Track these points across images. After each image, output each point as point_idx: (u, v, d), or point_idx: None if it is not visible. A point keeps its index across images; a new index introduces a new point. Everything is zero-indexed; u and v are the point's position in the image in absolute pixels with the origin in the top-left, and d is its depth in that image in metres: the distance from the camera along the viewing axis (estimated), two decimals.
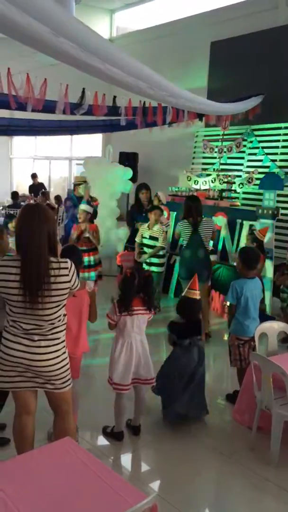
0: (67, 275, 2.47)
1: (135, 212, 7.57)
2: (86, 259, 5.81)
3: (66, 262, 2.49)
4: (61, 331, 2.58)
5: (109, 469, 2.16)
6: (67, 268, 2.48)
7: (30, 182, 13.77)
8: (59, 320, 2.53)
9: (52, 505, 1.85)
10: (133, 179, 9.22)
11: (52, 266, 2.42)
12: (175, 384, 3.53)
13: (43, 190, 12.24)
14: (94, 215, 7.18)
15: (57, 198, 12.01)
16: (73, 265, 2.53)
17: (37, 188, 12.67)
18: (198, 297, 3.69)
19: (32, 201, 12.68)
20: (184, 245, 5.55)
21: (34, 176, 13.13)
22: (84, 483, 1.99)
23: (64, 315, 2.60)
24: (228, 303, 4.07)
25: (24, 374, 2.51)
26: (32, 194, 12.76)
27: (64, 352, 2.59)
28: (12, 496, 1.88)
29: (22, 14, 2.49)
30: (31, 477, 2.03)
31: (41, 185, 13.00)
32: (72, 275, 2.51)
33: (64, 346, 2.59)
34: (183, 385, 3.52)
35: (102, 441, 3.43)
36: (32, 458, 2.20)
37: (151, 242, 6.19)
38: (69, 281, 2.49)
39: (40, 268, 2.37)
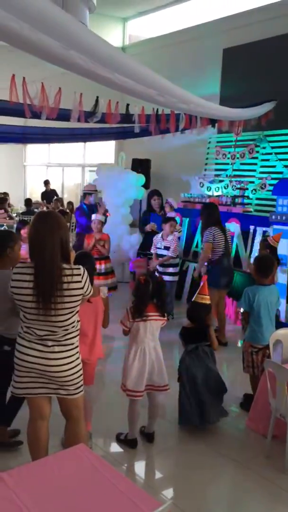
0: (80, 281, 2.49)
1: (147, 219, 7.60)
2: (98, 266, 5.85)
3: (79, 269, 2.51)
4: (75, 336, 2.59)
5: (123, 476, 2.16)
6: (80, 274, 2.49)
7: (43, 189, 13.90)
8: (73, 326, 2.55)
9: (66, 511, 1.86)
10: (146, 185, 9.24)
11: (65, 273, 2.44)
12: (187, 389, 3.52)
13: (55, 197, 12.33)
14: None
15: (70, 204, 12.11)
16: (85, 272, 2.55)
17: (49, 195, 12.78)
18: (208, 302, 3.69)
19: (45, 208, 12.81)
20: (221, 253, 5.51)
21: (46, 182, 13.24)
22: (98, 490, 1.99)
23: (78, 321, 2.61)
24: (242, 310, 4.06)
25: (38, 380, 2.53)
26: (45, 201, 12.87)
27: (78, 358, 2.60)
28: (26, 502, 1.89)
29: (33, 30, 2.54)
30: (46, 483, 2.04)
31: (54, 192, 13.11)
32: (85, 282, 2.52)
33: (77, 352, 2.60)
34: (194, 390, 3.51)
35: (115, 448, 3.42)
36: (46, 464, 2.21)
37: (164, 252, 6.23)
38: (82, 288, 2.50)
39: (53, 275, 2.39)
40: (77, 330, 2.60)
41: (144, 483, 3.04)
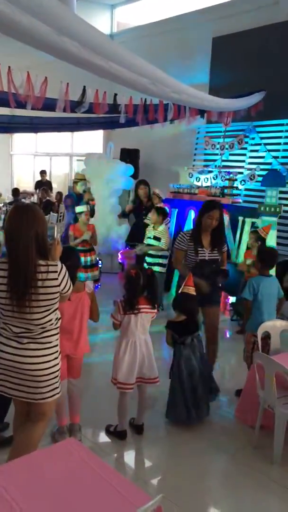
0: (56, 278, 2.39)
1: (136, 209, 7.59)
2: (82, 259, 5.82)
3: (56, 265, 2.41)
4: (53, 335, 2.50)
5: (113, 470, 2.16)
6: (56, 271, 2.40)
7: (31, 178, 13.73)
8: (51, 324, 2.47)
9: (56, 505, 1.85)
10: (135, 175, 9.19)
11: (41, 269, 2.35)
12: (185, 384, 3.52)
13: (44, 187, 12.18)
14: (91, 214, 7.19)
15: (59, 194, 11.98)
16: (63, 269, 2.45)
17: (44, 185, 12.59)
18: (194, 293, 3.69)
19: (35, 198, 12.67)
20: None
21: (43, 172, 12.99)
22: (88, 484, 1.99)
23: (58, 319, 2.53)
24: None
25: (13, 380, 2.45)
26: (37, 191, 12.69)
27: (56, 358, 2.51)
28: (16, 497, 1.88)
29: (25, 14, 2.47)
30: (35, 477, 2.03)
31: (49, 183, 12.87)
32: (62, 279, 2.43)
33: (56, 351, 2.52)
34: (191, 384, 3.52)
35: (105, 440, 3.44)
36: (36, 459, 2.20)
37: (155, 243, 6.22)
38: (58, 285, 2.41)
39: (27, 271, 2.31)
40: (55, 328, 2.51)
41: (133, 475, 3.06)
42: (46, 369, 2.44)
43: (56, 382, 2.52)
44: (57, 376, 2.52)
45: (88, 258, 6.11)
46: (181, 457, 3.21)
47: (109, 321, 3.37)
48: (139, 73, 3.65)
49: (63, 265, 2.46)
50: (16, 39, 2.77)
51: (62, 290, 2.44)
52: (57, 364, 2.52)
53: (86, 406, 3.57)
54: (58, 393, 2.55)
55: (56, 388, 2.53)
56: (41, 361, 2.43)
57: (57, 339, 2.53)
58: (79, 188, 7.55)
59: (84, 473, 2.05)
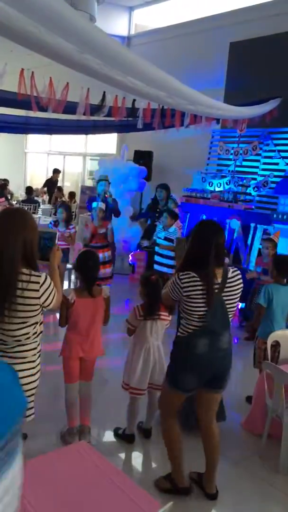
0: (37, 290, 2.25)
1: (149, 211, 7.64)
2: (100, 255, 5.88)
3: (39, 276, 2.27)
4: (30, 350, 2.36)
5: (124, 475, 2.20)
6: (38, 282, 2.26)
7: (44, 176, 13.78)
8: (27, 338, 2.32)
9: (67, 509, 1.90)
10: (147, 178, 9.23)
11: (22, 278, 2.22)
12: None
13: (58, 186, 12.24)
14: (115, 214, 7.25)
15: (71, 194, 12.04)
16: (47, 281, 2.30)
17: (54, 184, 12.63)
18: None
19: (45, 196, 12.73)
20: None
21: (56, 171, 13.05)
22: (99, 488, 2.03)
23: (37, 334, 2.38)
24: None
25: None
26: (45, 189, 12.77)
27: (32, 375, 2.38)
28: (28, 497, 1.93)
29: (50, 34, 2.53)
30: (48, 479, 2.08)
31: (56, 182, 12.94)
32: (44, 292, 2.28)
33: (32, 368, 2.38)
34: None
35: (113, 442, 3.48)
36: (48, 460, 2.25)
37: (165, 243, 6.25)
38: (38, 298, 2.26)
39: (8, 280, 2.18)
40: (33, 343, 2.36)
41: (140, 478, 3.09)
42: None
43: (31, 402, 2.39)
44: (32, 395, 2.39)
45: (106, 254, 6.22)
46: (186, 462, 3.23)
47: (118, 323, 3.39)
48: (156, 87, 3.70)
49: (47, 276, 2.33)
50: (42, 55, 2.84)
51: (42, 303, 2.30)
52: (30, 382, 2.38)
53: (96, 409, 3.61)
54: (33, 413, 2.41)
55: (31, 408, 2.39)
56: None
57: (33, 355, 2.38)
58: (99, 189, 7.61)
59: (96, 478, 2.09)
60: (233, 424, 3.83)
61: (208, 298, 2.56)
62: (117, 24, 10.92)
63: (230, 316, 2.68)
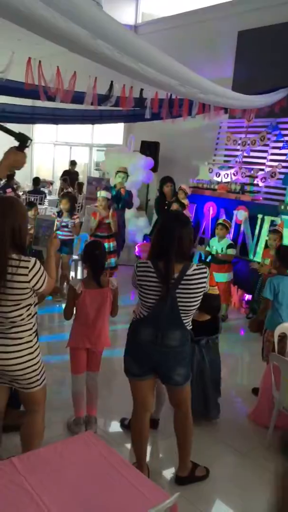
0: (26, 274, 2.35)
1: (158, 204, 7.60)
2: (106, 245, 5.86)
3: (28, 261, 2.37)
4: (26, 330, 2.48)
5: (130, 465, 2.21)
6: (27, 267, 2.36)
7: (51, 167, 13.71)
8: (22, 319, 2.44)
9: (74, 498, 1.90)
10: (154, 169, 9.18)
11: (11, 263, 2.34)
12: (193, 383, 3.54)
13: (64, 177, 12.18)
14: (128, 205, 7.21)
15: (79, 185, 11.98)
16: (36, 265, 2.39)
17: (72, 176, 12.55)
18: (217, 292, 3.71)
19: (51, 188, 12.69)
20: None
21: (73, 163, 12.99)
22: (104, 477, 2.03)
23: (31, 315, 2.50)
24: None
25: None
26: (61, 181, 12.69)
27: (31, 353, 2.50)
28: (35, 486, 1.94)
29: (65, 19, 2.50)
30: (54, 469, 2.09)
31: (75, 174, 12.82)
32: (34, 276, 2.38)
33: (31, 347, 2.50)
34: (201, 385, 3.55)
35: (120, 433, 3.49)
36: (55, 450, 2.26)
37: None
38: (28, 281, 2.36)
39: (0, 265, 2.31)
40: (28, 324, 2.49)
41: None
42: (17, 364, 2.44)
43: (35, 376, 2.52)
44: (35, 370, 2.51)
45: (111, 244, 6.22)
46: (192, 453, 3.24)
47: (125, 314, 3.39)
48: (169, 75, 3.65)
49: (37, 261, 2.41)
50: (55, 42, 2.81)
51: (33, 286, 2.40)
52: (32, 359, 2.49)
53: (102, 399, 3.63)
54: (39, 385, 2.55)
55: (37, 381, 2.53)
56: (11, 357, 2.43)
57: (29, 335, 2.50)
58: (116, 180, 7.56)
59: (102, 468, 2.10)
60: (240, 416, 3.83)
61: (160, 291, 2.53)
62: (124, 13, 10.80)
63: (183, 314, 2.59)
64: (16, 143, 2.44)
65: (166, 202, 7.30)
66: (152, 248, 2.66)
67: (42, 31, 2.63)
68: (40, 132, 15.74)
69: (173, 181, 7.46)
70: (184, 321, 2.62)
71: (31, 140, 2.52)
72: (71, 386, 3.40)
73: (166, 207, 7.16)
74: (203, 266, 2.64)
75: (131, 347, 2.75)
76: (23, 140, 2.43)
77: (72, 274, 6.98)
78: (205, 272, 2.60)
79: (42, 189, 11.76)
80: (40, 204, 10.37)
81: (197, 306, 2.63)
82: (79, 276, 7.24)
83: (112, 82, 4.52)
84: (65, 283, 6.45)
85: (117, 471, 2.07)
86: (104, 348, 3.39)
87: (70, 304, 3.22)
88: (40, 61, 3.63)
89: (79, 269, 7.41)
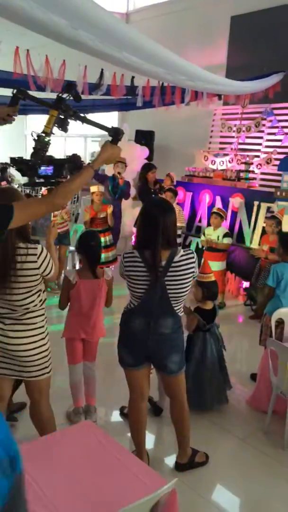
0: (35, 261, 2.43)
1: (143, 192, 7.52)
2: (102, 239, 5.84)
3: (36, 248, 2.43)
4: (38, 316, 2.55)
5: (129, 453, 2.22)
6: (35, 254, 2.43)
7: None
8: (35, 305, 2.51)
9: (73, 487, 1.91)
10: (149, 158, 9.12)
11: (20, 252, 2.39)
12: (207, 371, 3.57)
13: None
14: (125, 196, 7.16)
15: None
16: (44, 252, 2.46)
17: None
18: (213, 278, 3.71)
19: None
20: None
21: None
22: (103, 465, 2.04)
23: (42, 300, 2.56)
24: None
25: (2, 360, 2.53)
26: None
27: (43, 338, 2.57)
28: (35, 476, 1.95)
29: (42, 10, 2.45)
30: (53, 458, 2.09)
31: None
32: (42, 262, 2.45)
33: (42, 332, 2.57)
34: (212, 372, 3.57)
35: (120, 421, 3.51)
36: (53, 440, 2.27)
37: None
38: (38, 268, 2.44)
39: (6, 254, 2.35)
40: (41, 310, 2.56)
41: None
42: (31, 349, 2.50)
43: (45, 362, 2.58)
44: (45, 356, 2.58)
45: (107, 238, 6.16)
46: (192, 439, 3.26)
47: (121, 304, 3.38)
48: (154, 62, 3.59)
49: (43, 248, 2.47)
50: (38, 33, 2.76)
51: (42, 272, 2.47)
52: (44, 344, 2.57)
53: (101, 388, 3.64)
54: (47, 372, 2.61)
55: (46, 368, 2.59)
56: (25, 342, 2.49)
57: (42, 320, 2.57)
58: (115, 170, 7.50)
59: (101, 456, 2.11)
60: (238, 401, 3.85)
61: (149, 280, 2.52)
62: (114, 1, 10.64)
63: (174, 301, 2.58)
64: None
65: (152, 190, 7.25)
66: (137, 237, 2.65)
67: (22, 22, 2.58)
68: (34, 124, 15.61)
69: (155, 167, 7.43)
70: (175, 308, 2.61)
71: (124, 133, 2.49)
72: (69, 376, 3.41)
73: (153, 195, 7.11)
74: (190, 250, 2.62)
75: (124, 337, 2.76)
76: (117, 134, 2.42)
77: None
78: (193, 257, 2.59)
79: (37, 181, 11.68)
80: (35, 196, 10.32)
81: (187, 292, 2.62)
82: (77, 267, 7.23)
83: (102, 70, 4.46)
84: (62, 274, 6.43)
85: (116, 458, 2.08)
86: (103, 337, 3.39)
87: (64, 294, 3.22)
88: (28, 50, 3.58)
89: (76, 260, 7.39)
